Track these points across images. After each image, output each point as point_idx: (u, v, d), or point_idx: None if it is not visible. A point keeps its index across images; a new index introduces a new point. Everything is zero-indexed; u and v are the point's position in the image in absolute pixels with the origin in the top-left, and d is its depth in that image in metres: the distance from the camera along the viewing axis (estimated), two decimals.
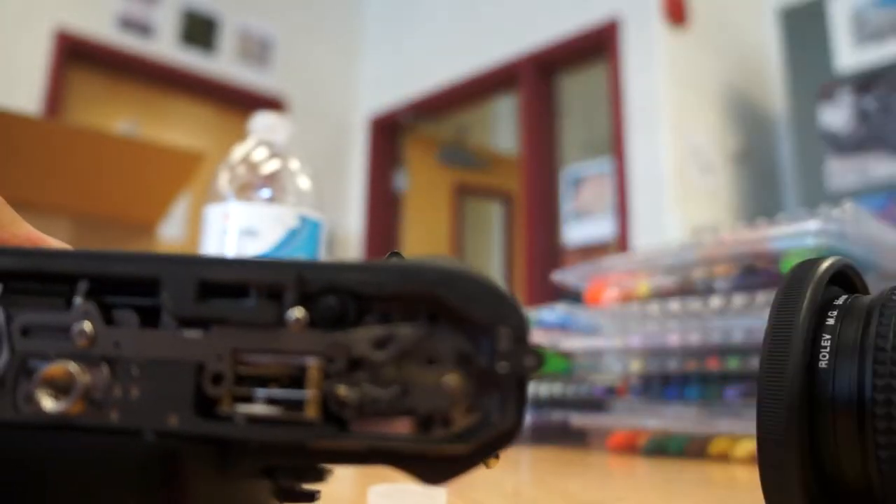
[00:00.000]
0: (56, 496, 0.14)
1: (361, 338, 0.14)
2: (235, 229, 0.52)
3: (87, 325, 0.14)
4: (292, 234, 0.53)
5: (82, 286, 0.15)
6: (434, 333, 0.14)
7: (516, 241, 3.78)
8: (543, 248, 2.85)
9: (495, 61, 3.11)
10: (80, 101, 3.00)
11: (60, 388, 0.14)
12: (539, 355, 0.14)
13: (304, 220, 0.53)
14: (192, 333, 0.14)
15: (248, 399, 0.14)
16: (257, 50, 3.47)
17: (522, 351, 0.14)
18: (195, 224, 3.02)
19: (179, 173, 0.69)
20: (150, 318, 0.15)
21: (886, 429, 0.20)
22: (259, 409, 0.14)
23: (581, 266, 0.76)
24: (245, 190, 0.54)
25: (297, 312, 0.14)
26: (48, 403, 0.14)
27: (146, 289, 0.15)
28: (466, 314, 0.14)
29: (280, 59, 3.53)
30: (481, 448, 0.14)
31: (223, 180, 0.54)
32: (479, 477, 0.48)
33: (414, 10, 3.61)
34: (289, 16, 3.59)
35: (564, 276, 0.78)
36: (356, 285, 0.14)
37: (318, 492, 0.17)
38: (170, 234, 2.96)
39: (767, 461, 0.21)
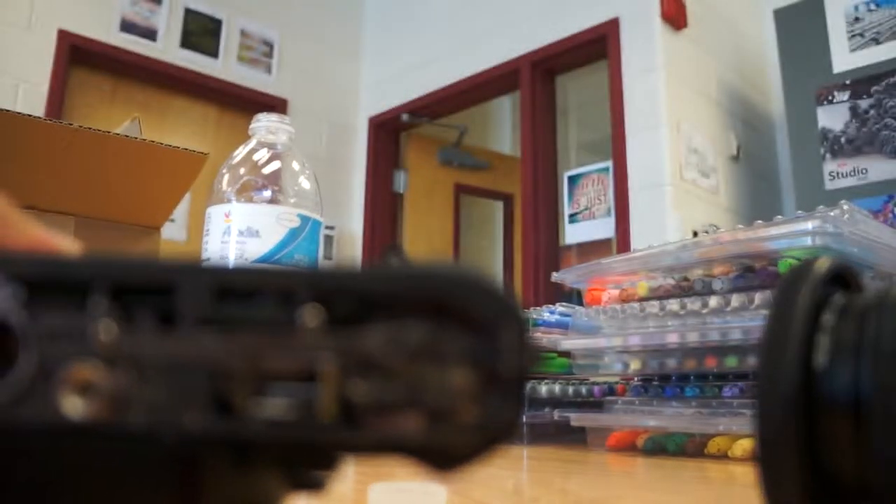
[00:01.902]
0: (78, 496, 0.14)
1: (372, 338, 0.15)
2: (237, 229, 0.52)
3: (106, 329, 0.14)
4: (293, 234, 0.53)
5: (102, 291, 0.15)
6: (440, 333, 0.15)
7: (516, 241, 3.78)
8: (543, 248, 2.85)
9: (495, 62, 3.11)
10: (84, 104, 3.00)
11: (82, 391, 0.14)
12: (537, 351, 0.15)
13: (304, 221, 0.54)
14: (209, 336, 0.15)
15: (264, 400, 0.15)
16: (259, 52, 3.47)
17: (522, 348, 0.15)
18: (196, 224, 3.02)
19: (184, 174, 0.69)
20: (168, 320, 0.15)
21: (885, 429, 0.20)
22: (275, 408, 0.14)
23: (581, 266, 0.76)
24: (246, 190, 0.54)
25: (310, 316, 0.15)
26: (70, 406, 0.14)
27: (164, 293, 0.15)
28: (470, 314, 0.15)
29: (281, 60, 3.53)
30: (486, 439, 0.15)
31: (225, 181, 0.55)
32: (479, 476, 0.48)
33: (414, 12, 3.61)
34: (290, 18, 3.59)
35: (564, 276, 0.78)
36: (366, 289, 0.15)
37: (327, 478, 0.18)
38: (171, 235, 2.96)
39: (765, 460, 0.21)
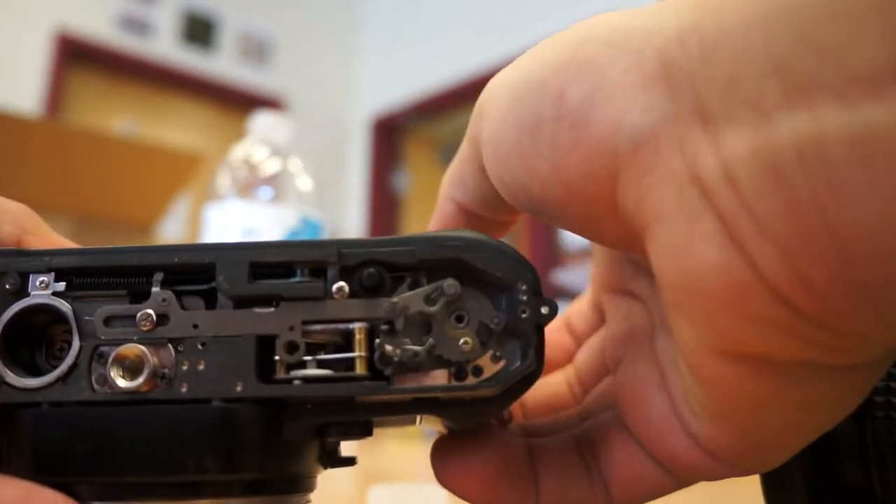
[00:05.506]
0: (132, 458, 0.16)
1: (398, 301, 0.16)
2: (235, 229, 0.52)
3: (149, 311, 0.16)
4: (292, 235, 0.53)
5: (143, 276, 0.16)
6: (460, 293, 0.16)
7: (516, 240, 3.78)
8: (543, 248, 2.85)
9: (495, 61, 3.11)
10: (80, 101, 3.00)
11: (131, 368, 0.16)
12: (553, 304, 0.16)
13: (304, 221, 0.53)
14: (249, 310, 0.16)
15: (303, 364, 0.16)
16: (257, 49, 3.47)
17: (538, 302, 0.16)
18: (196, 223, 3.02)
19: (177, 174, 0.69)
20: (205, 300, 0.17)
21: (886, 431, 0.20)
22: (313, 371, 0.16)
23: (581, 266, 0.76)
24: (245, 190, 0.54)
25: (340, 285, 0.16)
26: (121, 382, 0.16)
27: (200, 275, 0.16)
28: (488, 274, 0.16)
29: (280, 58, 3.53)
30: (508, 390, 0.16)
31: (223, 180, 0.54)
32: None
33: (414, 10, 3.61)
34: (288, 15, 3.59)
35: (564, 276, 0.78)
36: (390, 257, 0.16)
37: (356, 457, 0.20)
38: (170, 233, 2.96)
39: None
